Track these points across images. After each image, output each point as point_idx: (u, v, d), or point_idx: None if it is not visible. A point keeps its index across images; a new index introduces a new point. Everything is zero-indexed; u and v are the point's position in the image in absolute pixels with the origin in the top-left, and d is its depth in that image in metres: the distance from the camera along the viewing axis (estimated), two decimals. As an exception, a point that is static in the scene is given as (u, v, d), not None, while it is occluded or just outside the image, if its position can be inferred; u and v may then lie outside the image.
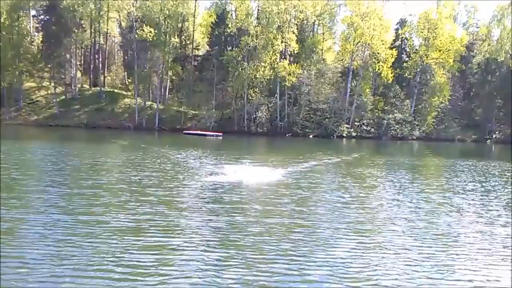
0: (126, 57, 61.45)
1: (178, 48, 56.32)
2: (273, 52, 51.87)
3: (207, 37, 58.10)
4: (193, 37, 59.38)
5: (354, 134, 53.65)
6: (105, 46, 61.14)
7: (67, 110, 51.46)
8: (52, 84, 53.10)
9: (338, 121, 53.95)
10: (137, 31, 50.25)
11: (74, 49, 54.76)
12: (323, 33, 64.73)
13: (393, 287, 6.32)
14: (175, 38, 54.68)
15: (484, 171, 22.36)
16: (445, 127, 58.25)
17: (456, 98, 59.61)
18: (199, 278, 6.32)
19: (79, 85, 57.04)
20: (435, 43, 57.32)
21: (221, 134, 45.01)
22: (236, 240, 8.22)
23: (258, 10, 55.88)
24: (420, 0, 72.23)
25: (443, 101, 57.59)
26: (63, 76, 53.79)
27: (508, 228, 9.85)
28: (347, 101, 54.23)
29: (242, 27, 52.04)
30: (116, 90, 57.97)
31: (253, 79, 51.97)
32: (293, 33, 53.05)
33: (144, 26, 49.79)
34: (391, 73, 54.69)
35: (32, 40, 57.10)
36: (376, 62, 54.30)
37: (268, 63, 51.90)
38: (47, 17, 52.09)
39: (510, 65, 58.08)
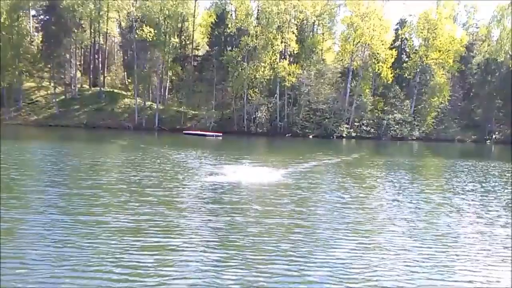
0: (126, 57, 61.45)
1: (178, 48, 56.33)
2: (273, 52, 51.87)
3: (207, 37, 58.10)
4: (193, 37, 59.39)
5: (353, 134, 53.67)
6: (105, 46, 61.11)
7: (67, 110, 51.43)
8: (52, 84, 53.08)
9: (338, 122, 53.96)
10: (137, 31, 50.25)
11: (74, 49, 54.74)
12: (323, 33, 64.76)
13: (393, 288, 6.31)
14: (175, 38, 54.67)
15: (484, 171, 22.37)
16: (445, 128, 58.28)
17: (456, 99, 59.64)
18: (199, 278, 6.31)
19: (79, 85, 56.99)
20: (435, 43, 57.36)
21: (221, 134, 45.01)
22: (236, 240, 8.20)
23: (258, 10, 55.92)
24: (420, 0, 72.38)
25: (442, 101, 57.63)
26: (62, 76, 53.77)
27: (508, 228, 9.84)
28: (346, 101, 54.25)
29: (242, 27, 52.04)
30: (115, 90, 57.94)
31: (253, 79, 51.97)
32: (293, 33, 53.06)
33: (144, 26, 49.80)
34: (391, 73, 54.72)
35: (32, 40, 57.10)
36: (376, 62, 54.32)
37: (268, 63, 51.90)
38: (47, 17, 52.11)
39: (510, 66, 58.12)
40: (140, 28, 49.88)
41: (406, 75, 57.70)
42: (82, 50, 61.12)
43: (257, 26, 52.91)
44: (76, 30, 51.63)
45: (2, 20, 49.58)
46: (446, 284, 6.53)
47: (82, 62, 62.22)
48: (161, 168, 18.29)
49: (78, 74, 58.21)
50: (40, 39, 54.91)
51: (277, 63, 52.06)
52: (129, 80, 60.03)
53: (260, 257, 7.29)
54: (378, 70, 54.50)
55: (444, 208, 11.96)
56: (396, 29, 59.94)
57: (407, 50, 60.08)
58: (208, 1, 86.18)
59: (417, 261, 7.42)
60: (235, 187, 13.84)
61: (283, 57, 54.06)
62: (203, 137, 43.04)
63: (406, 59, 58.96)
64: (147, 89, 55.57)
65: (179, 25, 57.45)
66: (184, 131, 47.63)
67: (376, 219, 10.54)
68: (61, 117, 50.23)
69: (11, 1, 50.07)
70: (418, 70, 57.54)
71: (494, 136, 58.72)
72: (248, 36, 50.60)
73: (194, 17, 58.42)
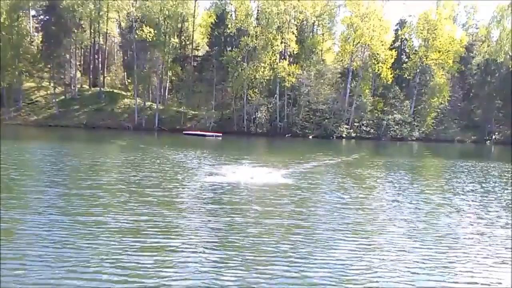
0: (125, 58, 61.44)
1: (178, 48, 56.35)
2: (272, 52, 51.90)
3: (207, 38, 58.10)
4: (192, 38, 59.40)
5: (353, 134, 53.70)
6: (104, 46, 61.11)
7: (67, 110, 51.43)
8: (52, 84, 53.07)
9: (338, 122, 53.99)
10: (137, 31, 50.27)
11: (74, 49, 54.73)
12: (323, 34, 64.80)
13: (393, 289, 6.30)
14: (174, 39, 54.68)
15: (483, 172, 22.36)
16: (445, 128, 58.32)
17: (456, 99, 59.69)
18: (198, 279, 6.29)
19: (79, 85, 56.97)
20: (434, 44, 57.41)
21: (221, 134, 45.04)
22: (236, 241, 8.19)
23: (258, 10, 55.96)
24: (419, 1, 72.47)
25: (442, 102, 57.67)
26: (62, 76, 53.77)
27: (508, 229, 9.83)
28: (346, 101, 54.26)
29: (242, 28, 52.07)
30: (115, 91, 57.93)
31: (253, 80, 51.98)
32: (293, 33, 53.11)
33: (144, 26, 49.82)
34: (391, 74, 54.76)
35: (31, 40, 57.10)
36: (375, 62, 54.36)
37: (267, 64, 51.92)
38: (47, 17, 52.12)
39: (510, 66, 58.18)
40: (140, 28, 49.89)
41: (406, 75, 57.73)
42: (82, 50, 61.12)
43: (257, 26, 52.94)
44: (76, 30, 51.64)
45: (2, 20, 49.59)
46: (446, 285, 6.51)
47: (82, 62, 62.21)
48: (161, 168, 18.27)
49: (78, 74, 58.20)
50: (40, 39, 54.91)
51: (277, 64, 52.07)
52: (129, 80, 60.03)
53: (260, 257, 7.28)
54: (378, 70, 54.53)
55: (444, 209, 11.94)
56: (396, 30, 59.98)
57: (407, 51, 60.10)
58: (208, 2, 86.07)
59: (417, 261, 7.40)
60: (234, 188, 13.83)
61: (283, 57, 54.07)
62: (203, 137, 43.04)
63: (406, 60, 59.01)
64: (147, 89, 55.58)
65: (179, 25, 57.47)
66: (184, 131, 47.63)
67: (376, 219, 10.52)
68: (61, 117, 50.21)
69: (11, 1, 50.08)
70: (418, 70, 57.58)
71: (494, 137, 58.77)
72: (248, 37, 50.61)
73: (194, 17, 58.44)
